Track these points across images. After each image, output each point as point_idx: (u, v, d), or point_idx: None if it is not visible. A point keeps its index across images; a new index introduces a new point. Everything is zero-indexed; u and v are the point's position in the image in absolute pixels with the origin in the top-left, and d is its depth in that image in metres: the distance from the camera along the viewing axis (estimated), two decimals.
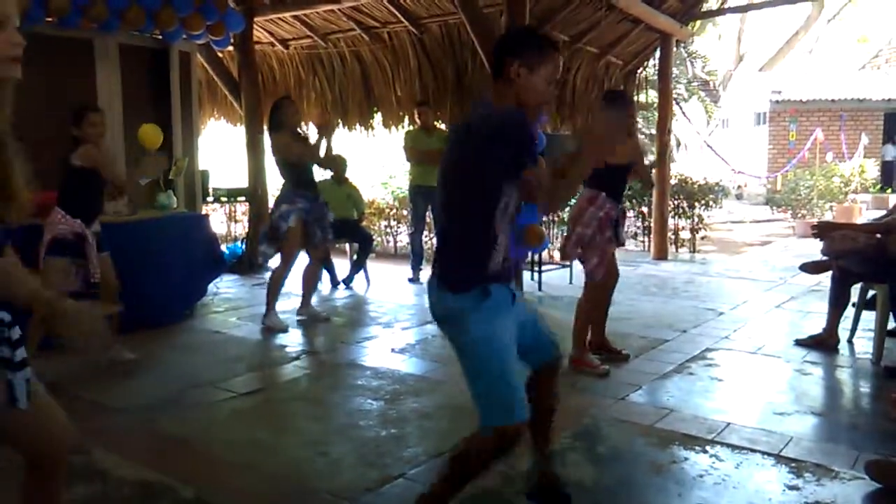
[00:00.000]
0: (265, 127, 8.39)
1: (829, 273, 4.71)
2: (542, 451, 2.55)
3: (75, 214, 4.09)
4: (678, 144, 18.89)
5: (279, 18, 8.62)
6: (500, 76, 2.16)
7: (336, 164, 5.72)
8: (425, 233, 7.92)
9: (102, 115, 4.26)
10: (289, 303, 5.80)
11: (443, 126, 7.88)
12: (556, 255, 7.93)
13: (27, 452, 1.79)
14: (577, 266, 4.63)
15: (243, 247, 8.17)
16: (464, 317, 2.10)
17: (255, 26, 8.20)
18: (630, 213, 8.93)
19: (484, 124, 2.13)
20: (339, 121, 9.53)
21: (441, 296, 2.16)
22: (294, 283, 5.61)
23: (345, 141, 9.97)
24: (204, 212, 7.49)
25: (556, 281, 6.78)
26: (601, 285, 4.29)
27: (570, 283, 5.47)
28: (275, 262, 5.44)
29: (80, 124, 4.06)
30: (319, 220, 5.30)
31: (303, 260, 5.48)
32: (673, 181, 9.59)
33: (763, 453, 3.00)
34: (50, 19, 5.62)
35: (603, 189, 4.18)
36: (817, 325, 4.90)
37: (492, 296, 2.09)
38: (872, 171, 15.11)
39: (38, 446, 1.78)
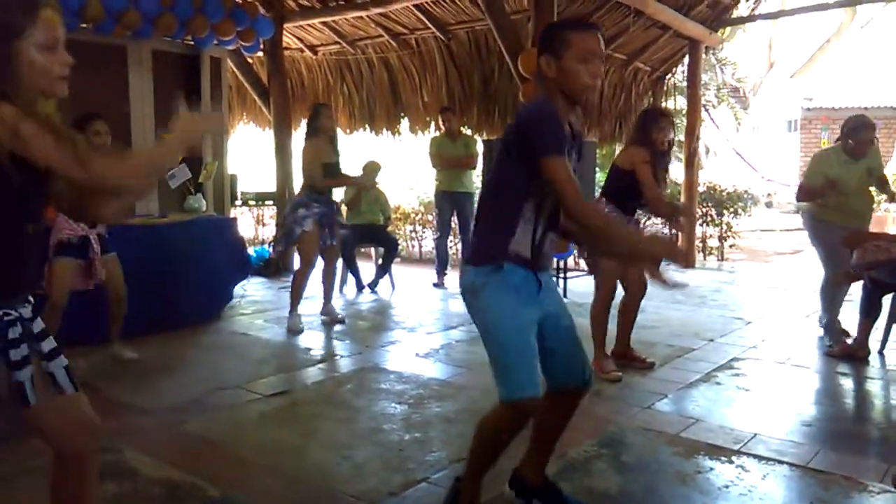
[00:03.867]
0: (293, 131, 8.55)
1: (861, 283, 4.64)
2: (538, 462, 2.49)
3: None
4: (707, 151, 18.70)
5: (308, 25, 8.73)
6: (540, 78, 2.22)
7: (367, 177, 6.77)
8: (450, 238, 7.94)
9: (105, 123, 4.20)
10: (313, 305, 5.85)
11: (468, 132, 7.89)
12: (582, 262, 7.89)
13: (52, 445, 1.83)
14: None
15: (270, 250, 8.25)
16: (478, 289, 2.18)
17: (284, 32, 8.32)
18: (654, 219, 8.81)
19: (515, 119, 2.30)
20: (367, 126, 9.63)
21: (464, 269, 2.26)
22: (316, 285, 5.69)
23: (372, 146, 10.05)
24: (232, 215, 7.58)
25: (581, 288, 6.74)
26: (612, 294, 4.28)
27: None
28: (297, 264, 5.56)
29: (84, 133, 3.95)
30: (331, 224, 5.47)
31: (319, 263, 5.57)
32: (701, 188, 9.51)
33: (790, 465, 2.96)
34: (85, 26, 5.74)
35: (604, 195, 4.25)
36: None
37: (505, 271, 2.14)
38: None
39: (61, 439, 1.82)
